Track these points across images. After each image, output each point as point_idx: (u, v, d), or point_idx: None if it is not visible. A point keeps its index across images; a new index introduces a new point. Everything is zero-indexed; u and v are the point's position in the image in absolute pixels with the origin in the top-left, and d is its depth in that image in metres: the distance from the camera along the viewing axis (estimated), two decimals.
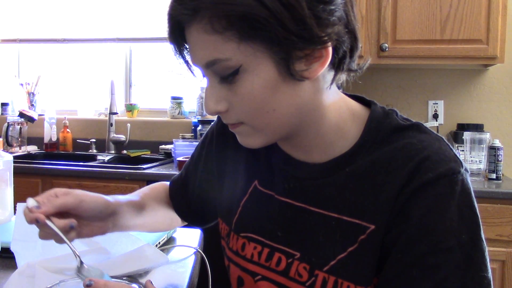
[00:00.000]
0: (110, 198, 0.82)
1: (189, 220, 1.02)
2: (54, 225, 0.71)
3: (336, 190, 0.69)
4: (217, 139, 0.89)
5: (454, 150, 0.68)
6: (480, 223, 0.63)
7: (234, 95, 0.64)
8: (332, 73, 0.67)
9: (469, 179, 0.65)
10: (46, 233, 0.74)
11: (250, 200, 0.79)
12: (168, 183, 1.05)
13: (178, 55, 0.68)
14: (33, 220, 0.71)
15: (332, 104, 0.69)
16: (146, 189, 0.99)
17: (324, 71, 0.64)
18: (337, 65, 0.66)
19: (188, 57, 0.68)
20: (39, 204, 0.73)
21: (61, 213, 0.75)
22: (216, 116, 0.88)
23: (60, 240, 0.74)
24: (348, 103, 0.73)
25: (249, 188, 0.80)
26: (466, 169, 0.66)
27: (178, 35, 0.65)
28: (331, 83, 0.67)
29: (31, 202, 0.73)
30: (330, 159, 0.71)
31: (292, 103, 0.64)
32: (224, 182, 0.86)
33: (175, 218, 1.01)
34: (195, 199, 0.96)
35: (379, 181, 0.66)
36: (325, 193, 0.70)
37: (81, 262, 0.74)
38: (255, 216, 0.78)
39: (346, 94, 0.74)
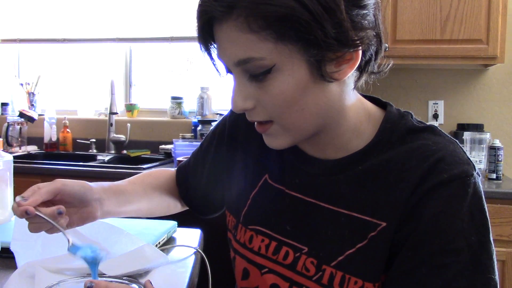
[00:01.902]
0: (94, 184, 0.83)
1: (194, 209, 1.03)
2: (42, 213, 0.72)
3: (348, 187, 0.70)
4: (229, 131, 0.89)
5: (468, 154, 0.68)
6: (490, 226, 0.64)
7: (263, 94, 0.64)
8: (356, 75, 0.68)
9: (480, 183, 0.66)
10: (36, 225, 0.74)
11: (260, 193, 0.80)
12: (170, 169, 1.06)
13: (204, 51, 0.68)
14: (23, 213, 0.71)
15: (351, 105, 0.71)
16: (141, 174, 1.00)
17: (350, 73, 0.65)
18: (363, 68, 0.68)
19: (214, 53, 0.67)
20: (25, 197, 0.73)
21: (48, 203, 0.75)
22: (220, 115, 0.89)
23: (51, 229, 0.75)
24: (364, 104, 0.74)
25: (259, 182, 0.81)
26: (478, 173, 0.67)
27: (207, 31, 0.65)
28: (355, 85, 0.69)
29: (17, 198, 0.74)
30: (344, 156, 0.72)
31: (320, 104, 0.65)
32: (233, 175, 0.87)
33: (173, 203, 1.01)
34: (201, 188, 0.97)
35: (392, 179, 0.67)
36: (337, 189, 0.71)
37: (72, 243, 0.74)
38: (264, 209, 0.79)
39: (362, 95, 0.76)
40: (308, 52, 0.60)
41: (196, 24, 0.65)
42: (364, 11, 0.62)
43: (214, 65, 0.69)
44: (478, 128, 2.34)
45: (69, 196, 0.78)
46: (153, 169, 1.05)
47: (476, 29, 2.11)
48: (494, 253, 0.64)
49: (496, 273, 0.64)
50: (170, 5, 2.84)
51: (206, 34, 0.65)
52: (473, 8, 2.11)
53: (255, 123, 0.69)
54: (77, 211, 0.80)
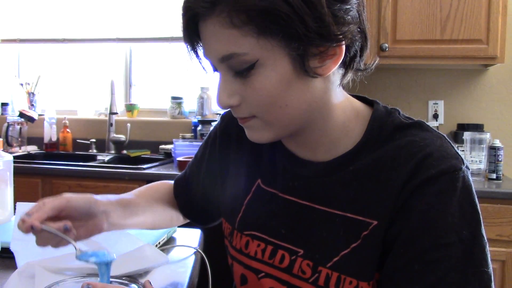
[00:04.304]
0: (100, 197, 0.83)
1: (193, 219, 1.03)
2: (52, 228, 0.72)
3: (340, 188, 0.70)
4: (220, 139, 0.90)
5: (456, 148, 0.69)
6: (481, 219, 0.65)
7: (247, 89, 0.64)
8: (341, 72, 0.69)
9: (470, 176, 0.66)
10: (43, 238, 0.75)
11: (254, 198, 0.80)
12: (170, 182, 1.06)
13: (190, 50, 0.68)
14: (28, 229, 0.71)
15: (339, 103, 0.71)
16: (143, 188, 1.00)
17: (334, 69, 0.65)
18: (348, 64, 0.68)
19: (200, 52, 0.68)
20: (30, 214, 0.73)
21: (53, 219, 0.75)
22: (220, 115, 0.90)
23: (58, 243, 0.75)
24: (352, 102, 0.74)
25: (252, 187, 0.81)
26: (467, 166, 0.67)
27: (192, 29, 0.65)
28: (341, 82, 0.69)
29: (23, 215, 0.74)
30: (334, 157, 0.72)
31: (303, 99, 0.65)
32: (227, 182, 0.87)
33: (175, 216, 1.01)
34: (198, 198, 0.97)
35: (382, 178, 0.67)
36: (329, 191, 0.71)
37: (80, 250, 0.74)
38: (258, 214, 0.79)
39: (349, 94, 0.76)
40: (289, 46, 0.60)
41: (181, 22, 0.65)
42: (347, 6, 0.62)
43: (201, 63, 0.69)
44: (478, 128, 2.34)
45: (75, 211, 0.78)
46: (154, 182, 1.05)
47: (476, 29, 2.11)
48: (487, 246, 0.64)
49: (490, 266, 0.63)
50: (170, 5, 2.84)
51: (192, 32, 0.65)
52: (473, 8, 2.11)
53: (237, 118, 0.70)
54: (84, 224, 0.80)
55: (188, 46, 0.68)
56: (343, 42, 0.63)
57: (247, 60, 0.62)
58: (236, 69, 0.63)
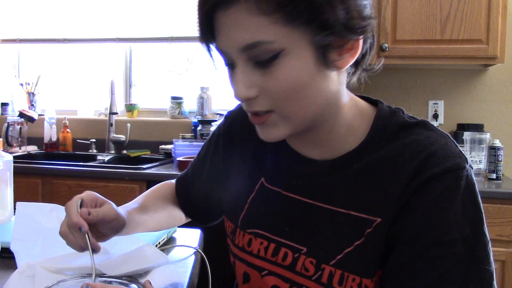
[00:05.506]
0: (126, 214, 0.85)
1: (194, 218, 1.04)
2: (90, 241, 0.76)
3: (345, 186, 0.71)
4: (224, 138, 0.90)
5: (459, 147, 0.69)
6: (484, 218, 0.65)
7: (268, 80, 0.62)
8: (349, 70, 0.70)
9: (473, 175, 0.67)
10: (73, 239, 0.77)
11: (257, 197, 0.81)
12: (173, 181, 1.06)
13: (204, 43, 0.66)
14: (77, 226, 0.75)
15: (346, 102, 0.71)
16: (148, 191, 1.02)
17: (347, 66, 0.66)
18: (359, 61, 0.69)
19: (212, 46, 0.66)
20: (88, 208, 0.78)
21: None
22: (222, 115, 0.91)
23: (80, 249, 0.78)
24: (357, 101, 0.75)
25: (256, 185, 0.81)
26: (470, 165, 0.68)
27: (210, 21, 0.63)
28: (349, 80, 0.71)
29: (83, 208, 0.78)
30: (339, 156, 0.72)
31: (321, 93, 0.65)
32: (230, 181, 0.87)
33: (178, 215, 1.02)
34: (199, 197, 0.97)
35: (387, 176, 0.67)
36: (334, 189, 0.72)
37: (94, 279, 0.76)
38: (262, 212, 0.79)
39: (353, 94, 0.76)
40: (316, 36, 0.60)
41: (199, 12, 0.64)
42: (364, 2, 0.64)
43: (213, 58, 0.68)
44: (478, 128, 2.34)
45: (109, 229, 0.82)
46: (158, 184, 1.06)
47: (476, 29, 2.11)
48: (489, 244, 0.65)
49: (492, 264, 0.64)
50: (170, 5, 2.84)
51: (210, 25, 0.63)
52: (473, 8, 2.11)
53: (251, 115, 0.68)
54: (97, 232, 0.83)
55: (205, 40, 0.66)
56: (361, 37, 0.64)
57: (273, 48, 0.60)
58: (258, 59, 0.62)
